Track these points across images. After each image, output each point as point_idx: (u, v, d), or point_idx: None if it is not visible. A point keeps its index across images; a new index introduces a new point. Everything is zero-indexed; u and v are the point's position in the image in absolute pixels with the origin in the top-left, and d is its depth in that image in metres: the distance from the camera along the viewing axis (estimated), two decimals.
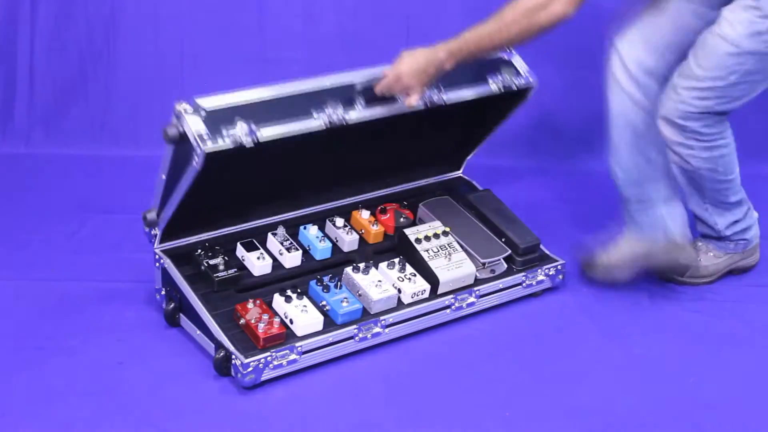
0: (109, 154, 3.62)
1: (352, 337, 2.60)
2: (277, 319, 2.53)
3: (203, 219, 2.76)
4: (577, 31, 3.41)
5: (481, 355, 2.68)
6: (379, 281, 2.68)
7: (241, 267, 2.72)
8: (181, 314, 2.69)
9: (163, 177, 2.57)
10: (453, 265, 2.76)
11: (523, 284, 2.88)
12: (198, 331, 2.61)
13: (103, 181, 3.48)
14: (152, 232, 2.70)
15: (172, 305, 2.68)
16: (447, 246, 2.80)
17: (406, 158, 3.11)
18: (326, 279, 2.66)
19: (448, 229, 2.84)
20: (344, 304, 2.60)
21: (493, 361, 2.65)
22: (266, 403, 2.46)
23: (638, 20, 2.85)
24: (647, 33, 2.83)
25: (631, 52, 2.84)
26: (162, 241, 2.71)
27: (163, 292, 2.72)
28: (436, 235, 2.81)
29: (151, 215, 2.67)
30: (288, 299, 2.58)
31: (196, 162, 2.42)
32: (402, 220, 2.95)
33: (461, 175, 3.23)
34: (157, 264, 2.71)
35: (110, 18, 3.61)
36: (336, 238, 2.87)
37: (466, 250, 2.82)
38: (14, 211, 3.27)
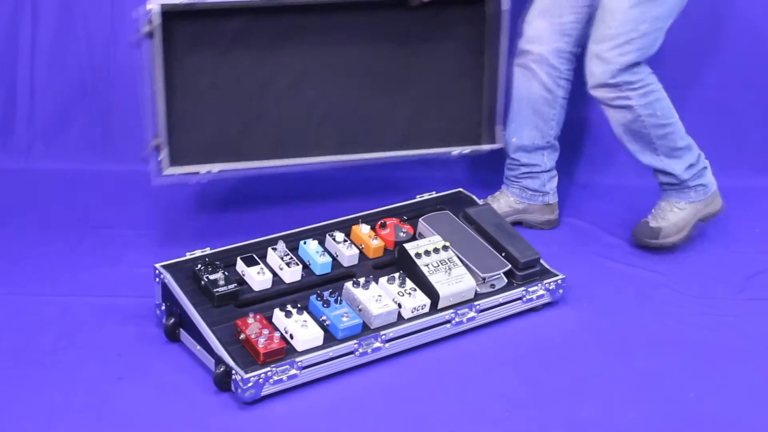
0: (109, 169, 3.61)
1: (352, 352, 2.60)
2: (277, 334, 2.52)
3: (207, 136, 2.84)
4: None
5: (481, 370, 2.68)
6: (379, 296, 2.67)
7: (241, 282, 2.71)
8: (181, 329, 2.68)
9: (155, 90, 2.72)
10: (453, 279, 2.76)
11: (523, 299, 2.88)
12: (198, 346, 2.60)
13: (103, 195, 3.46)
14: (159, 158, 2.71)
15: (172, 320, 2.67)
16: (447, 261, 2.80)
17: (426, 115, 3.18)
18: (326, 294, 2.66)
19: (447, 244, 2.84)
20: (344, 319, 2.60)
21: (493, 376, 2.65)
22: (266, 418, 2.45)
23: (539, 4, 3.16)
24: (552, 16, 3.13)
25: (541, 37, 3.15)
26: (172, 162, 2.71)
27: (163, 307, 2.72)
28: (436, 250, 2.81)
29: (156, 140, 2.70)
30: (288, 314, 2.58)
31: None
32: (402, 234, 2.95)
33: (461, 190, 3.23)
34: (157, 279, 2.70)
35: (111, 32, 3.61)
36: (336, 253, 2.86)
37: (465, 265, 2.82)
38: (14, 226, 3.25)
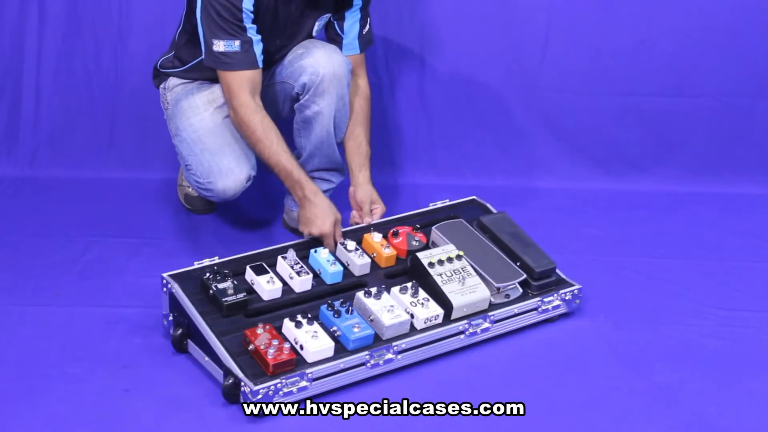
0: (115, 177, 3.59)
1: (363, 364, 2.55)
2: (287, 345, 2.47)
3: None
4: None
5: (495, 382, 2.63)
6: (392, 306, 2.62)
7: (250, 291, 2.67)
8: (188, 340, 2.64)
9: None
10: (467, 289, 2.70)
11: (539, 309, 2.82)
12: (206, 358, 2.56)
13: (109, 204, 3.44)
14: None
15: (179, 331, 2.63)
16: (461, 270, 2.74)
17: None
18: (337, 304, 2.61)
19: (461, 253, 2.79)
20: (355, 329, 2.55)
21: (507, 389, 2.60)
22: (276, 431, 2.41)
23: None
24: None
25: None
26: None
27: (170, 318, 2.68)
28: (450, 259, 2.76)
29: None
30: (298, 325, 2.53)
31: None
32: (414, 243, 2.89)
33: (475, 197, 3.18)
34: (165, 289, 2.66)
35: (117, 39, 3.58)
36: (347, 262, 2.81)
37: (480, 275, 2.76)
38: (18, 234, 3.23)
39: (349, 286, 2.77)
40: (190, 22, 2.96)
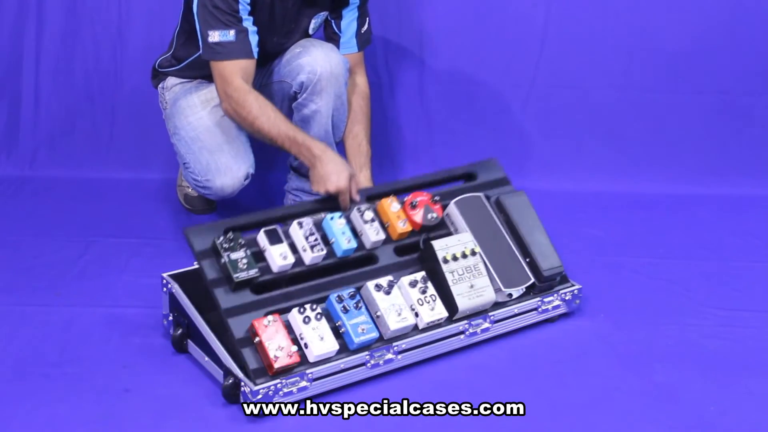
0: (115, 177, 3.59)
1: (363, 364, 2.55)
2: (293, 349, 2.45)
3: None
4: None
5: (495, 383, 2.63)
6: (400, 308, 2.60)
7: (259, 255, 2.60)
8: (188, 340, 2.64)
9: None
10: (475, 293, 2.68)
11: (539, 309, 2.82)
12: (206, 358, 2.56)
13: (109, 204, 3.44)
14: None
15: (179, 331, 2.63)
16: (472, 268, 2.71)
17: None
18: (346, 295, 2.58)
19: (476, 249, 2.74)
20: (360, 330, 2.54)
21: (507, 389, 2.59)
22: (276, 431, 2.40)
23: None
24: None
25: None
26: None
27: (170, 318, 2.68)
28: (464, 255, 2.71)
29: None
30: (306, 320, 2.51)
31: None
32: (430, 217, 2.83)
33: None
34: (165, 289, 2.66)
35: (118, 38, 3.58)
36: (361, 231, 2.76)
37: (489, 273, 2.74)
38: (18, 235, 3.23)
39: (359, 260, 2.72)
40: (188, 21, 2.96)
